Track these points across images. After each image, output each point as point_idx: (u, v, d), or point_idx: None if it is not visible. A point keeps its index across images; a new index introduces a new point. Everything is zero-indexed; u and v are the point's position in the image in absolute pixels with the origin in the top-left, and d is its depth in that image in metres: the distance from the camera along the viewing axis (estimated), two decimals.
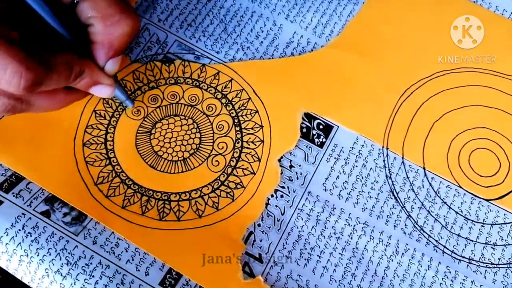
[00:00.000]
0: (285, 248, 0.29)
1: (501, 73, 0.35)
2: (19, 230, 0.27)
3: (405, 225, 0.31)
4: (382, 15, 0.37)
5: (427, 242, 0.31)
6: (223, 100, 0.33)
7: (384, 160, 0.32)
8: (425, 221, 0.31)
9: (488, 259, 0.30)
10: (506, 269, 0.30)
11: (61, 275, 0.26)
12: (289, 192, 0.31)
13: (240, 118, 0.32)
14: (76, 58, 0.26)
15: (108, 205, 0.29)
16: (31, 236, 0.27)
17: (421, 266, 0.30)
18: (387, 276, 0.29)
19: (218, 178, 0.31)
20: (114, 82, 0.28)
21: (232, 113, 0.33)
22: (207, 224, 0.29)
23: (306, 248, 0.29)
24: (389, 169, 0.32)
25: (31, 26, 0.25)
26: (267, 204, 0.30)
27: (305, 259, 0.29)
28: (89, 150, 0.30)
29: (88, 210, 0.28)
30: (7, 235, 0.27)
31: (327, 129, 0.33)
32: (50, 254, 0.27)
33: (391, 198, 0.32)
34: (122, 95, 0.30)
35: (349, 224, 0.30)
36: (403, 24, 0.36)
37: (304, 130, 0.33)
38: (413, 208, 0.31)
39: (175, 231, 0.29)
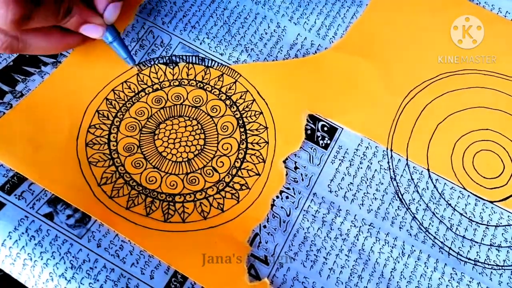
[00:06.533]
0: (291, 250, 0.29)
1: (505, 75, 0.36)
2: (23, 233, 0.27)
3: (411, 226, 0.31)
4: (385, 17, 0.37)
5: (432, 244, 0.30)
6: (228, 102, 0.33)
7: (388, 162, 0.32)
8: (430, 223, 0.31)
9: (493, 260, 0.30)
10: (511, 271, 0.30)
11: (66, 279, 0.26)
12: (294, 194, 0.31)
13: (245, 120, 0.32)
14: None
15: (112, 206, 0.28)
16: (34, 239, 0.27)
17: (427, 268, 0.30)
18: (393, 278, 0.29)
19: (223, 179, 0.30)
20: (104, 23, 0.29)
21: (237, 114, 0.32)
22: (212, 226, 0.29)
23: (312, 250, 0.29)
24: (393, 171, 0.32)
25: None
26: (272, 205, 0.30)
27: (311, 261, 0.29)
28: (92, 150, 0.30)
29: (92, 211, 0.28)
30: (10, 238, 0.26)
31: (332, 131, 0.33)
32: (54, 258, 0.26)
33: (396, 200, 0.31)
34: (123, 52, 0.31)
35: (355, 226, 0.30)
36: (406, 25, 0.37)
37: (309, 132, 0.33)
38: (418, 209, 0.31)
39: (180, 233, 0.28)
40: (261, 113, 0.33)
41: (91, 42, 0.31)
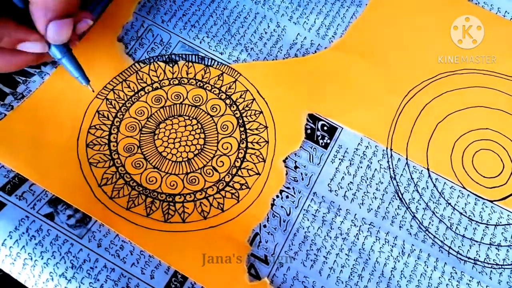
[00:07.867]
0: (291, 249, 0.29)
1: (504, 75, 0.36)
2: (23, 233, 0.27)
3: (411, 226, 0.31)
4: (384, 16, 0.37)
5: (432, 243, 0.31)
6: (227, 101, 0.33)
7: (388, 161, 0.32)
8: (430, 222, 0.31)
9: (493, 260, 0.31)
10: (511, 270, 0.30)
11: (66, 279, 0.26)
12: (294, 193, 0.31)
13: (245, 119, 0.32)
14: None
15: (112, 207, 0.28)
16: (35, 239, 0.27)
17: (427, 267, 0.30)
18: (394, 277, 0.29)
19: (223, 179, 0.30)
20: (41, 37, 0.26)
21: (237, 113, 0.32)
22: (212, 225, 0.29)
23: (312, 249, 0.29)
24: (393, 170, 0.32)
25: None
26: (272, 205, 0.30)
27: (311, 260, 0.29)
28: (93, 151, 0.30)
29: (92, 211, 0.28)
30: (10, 238, 0.27)
31: (332, 130, 0.33)
32: (54, 258, 0.26)
33: (396, 199, 0.32)
34: (75, 71, 0.29)
35: (355, 225, 0.30)
36: (405, 25, 0.37)
37: (309, 131, 0.33)
38: (418, 209, 0.31)
39: (180, 233, 0.28)
40: (261, 112, 0.33)
41: (78, 46, 0.31)
